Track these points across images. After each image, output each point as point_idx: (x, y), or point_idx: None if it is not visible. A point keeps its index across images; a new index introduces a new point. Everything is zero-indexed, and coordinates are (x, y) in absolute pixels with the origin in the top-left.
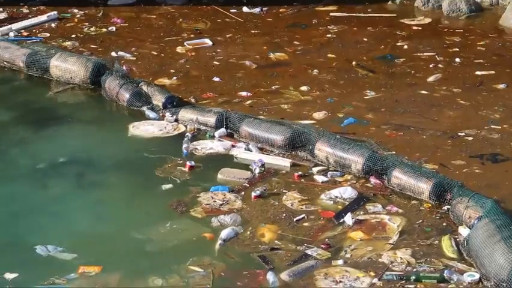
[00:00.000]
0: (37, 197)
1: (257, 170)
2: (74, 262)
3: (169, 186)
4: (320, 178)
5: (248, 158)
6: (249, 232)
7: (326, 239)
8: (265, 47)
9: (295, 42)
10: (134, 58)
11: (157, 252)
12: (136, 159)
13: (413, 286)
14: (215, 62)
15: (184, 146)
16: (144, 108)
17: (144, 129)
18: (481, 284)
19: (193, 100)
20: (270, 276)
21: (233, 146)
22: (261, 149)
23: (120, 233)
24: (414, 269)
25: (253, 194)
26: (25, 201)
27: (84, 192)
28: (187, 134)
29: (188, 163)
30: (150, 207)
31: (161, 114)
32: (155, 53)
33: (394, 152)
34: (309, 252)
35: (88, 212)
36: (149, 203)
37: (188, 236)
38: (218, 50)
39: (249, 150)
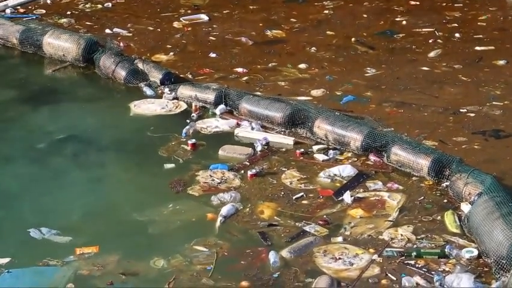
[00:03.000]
0: (34, 178)
1: (259, 148)
2: (70, 245)
3: (171, 165)
4: (320, 156)
5: (249, 137)
6: (248, 209)
7: (324, 216)
8: (261, 24)
9: (292, 19)
10: (131, 34)
11: (158, 232)
12: (140, 138)
13: (412, 261)
14: (211, 38)
15: (186, 127)
16: (142, 84)
17: (146, 107)
18: (481, 260)
19: (190, 76)
20: (272, 256)
21: (238, 124)
22: (265, 127)
23: (119, 214)
24: (415, 246)
25: (249, 173)
26: (22, 181)
27: (85, 173)
28: (192, 114)
29: (190, 142)
30: (151, 186)
31: (160, 91)
32: (151, 29)
33: (392, 129)
34: (307, 228)
35: (87, 192)
36: (150, 182)
37: (189, 216)
38: (214, 26)
39: (253, 128)
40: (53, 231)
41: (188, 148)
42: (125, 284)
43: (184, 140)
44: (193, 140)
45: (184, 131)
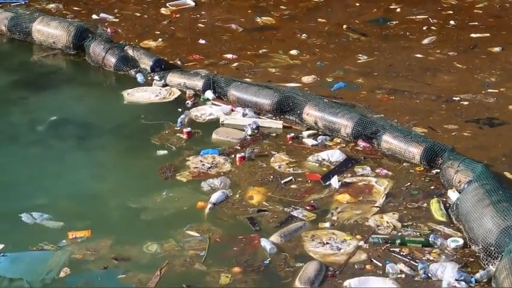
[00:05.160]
0: (25, 163)
1: (249, 132)
2: (62, 230)
3: (164, 152)
4: (309, 141)
5: (236, 124)
6: (238, 195)
7: (312, 201)
8: (250, 11)
9: (282, 6)
10: (117, 20)
11: (150, 218)
12: (134, 125)
13: (397, 249)
14: (200, 25)
15: (181, 116)
16: (132, 72)
17: (140, 95)
18: (466, 249)
19: (179, 62)
20: (267, 244)
21: (232, 111)
22: (259, 113)
23: (111, 199)
24: (400, 233)
25: (238, 156)
26: (13, 167)
27: (79, 159)
28: (187, 102)
29: (185, 130)
30: (143, 173)
31: (149, 78)
32: (138, 15)
33: (382, 115)
34: (294, 213)
35: (80, 178)
36: (142, 169)
37: (180, 202)
38: (202, 13)
39: (246, 114)
40: (45, 216)
41: (184, 136)
42: (118, 268)
43: (179, 128)
44: (189, 129)
45: (179, 120)
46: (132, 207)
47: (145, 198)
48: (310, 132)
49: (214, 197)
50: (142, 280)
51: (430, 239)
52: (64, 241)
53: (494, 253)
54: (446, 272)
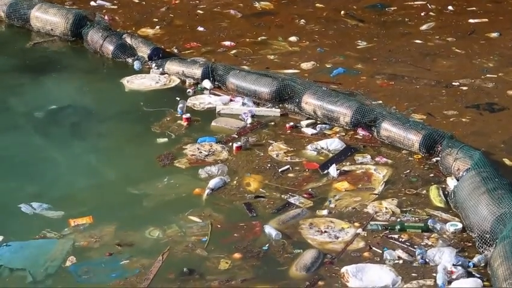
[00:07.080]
0: (23, 150)
1: (249, 120)
2: (62, 219)
3: (164, 140)
4: (309, 131)
5: (232, 113)
6: (235, 181)
7: (310, 189)
8: None
9: None
10: (115, 7)
11: (152, 205)
12: (135, 113)
13: (396, 235)
14: (199, 11)
15: (180, 106)
16: (130, 60)
17: (140, 82)
18: (464, 234)
19: (175, 50)
20: (272, 231)
21: (231, 100)
22: (257, 103)
23: (110, 187)
24: (399, 219)
25: (235, 145)
26: (11, 155)
27: (79, 147)
28: (188, 90)
29: (185, 116)
30: (142, 159)
31: (147, 66)
32: (136, 1)
33: (381, 102)
34: (291, 200)
35: (76, 169)
36: (142, 156)
37: (179, 189)
38: None
39: (244, 104)
40: (45, 206)
41: (184, 123)
42: (122, 254)
43: (180, 116)
44: (188, 115)
45: (179, 109)
46: (133, 193)
47: (145, 185)
48: (309, 121)
49: (212, 182)
50: (145, 265)
51: (429, 224)
52: (66, 229)
53: (489, 240)
54: (444, 257)
